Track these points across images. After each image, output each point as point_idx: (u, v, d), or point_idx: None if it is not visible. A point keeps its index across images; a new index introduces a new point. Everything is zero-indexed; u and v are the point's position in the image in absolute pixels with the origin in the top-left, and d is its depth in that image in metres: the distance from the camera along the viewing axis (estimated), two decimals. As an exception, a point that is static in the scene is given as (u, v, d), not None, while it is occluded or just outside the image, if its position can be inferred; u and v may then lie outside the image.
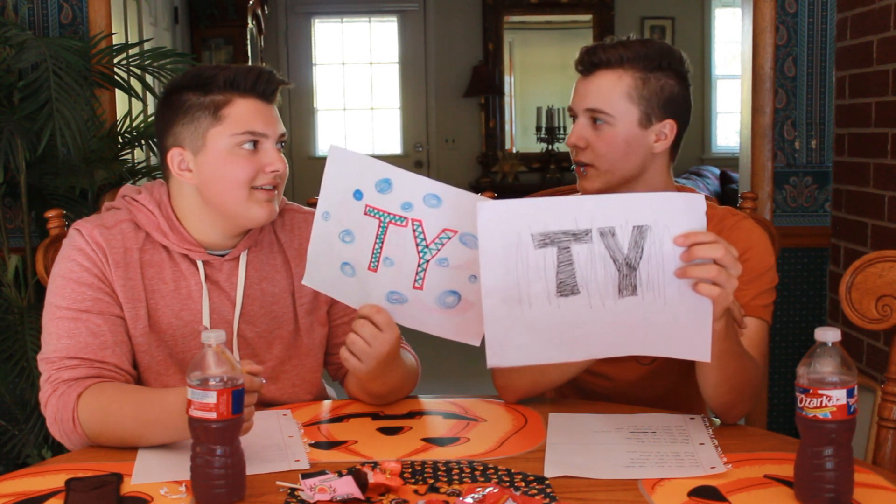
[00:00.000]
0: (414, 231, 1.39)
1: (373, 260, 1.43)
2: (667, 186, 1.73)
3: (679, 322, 1.32)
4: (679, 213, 1.28)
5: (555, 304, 1.32)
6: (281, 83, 1.63)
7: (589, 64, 1.69)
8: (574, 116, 1.71)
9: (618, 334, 1.36)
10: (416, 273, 1.42)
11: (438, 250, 1.40)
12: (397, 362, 1.58)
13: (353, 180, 1.43)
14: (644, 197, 1.34)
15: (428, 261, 1.40)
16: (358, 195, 1.42)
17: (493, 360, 1.39)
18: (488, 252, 1.30)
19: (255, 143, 1.58)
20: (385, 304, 1.48)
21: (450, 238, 1.39)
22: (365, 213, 1.42)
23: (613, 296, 1.30)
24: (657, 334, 1.35)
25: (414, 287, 1.43)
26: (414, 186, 1.39)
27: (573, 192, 1.88)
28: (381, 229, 1.41)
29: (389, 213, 1.40)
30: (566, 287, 1.31)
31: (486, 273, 1.31)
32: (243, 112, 1.58)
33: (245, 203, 1.59)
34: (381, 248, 1.42)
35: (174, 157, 1.61)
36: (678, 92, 1.69)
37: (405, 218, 1.39)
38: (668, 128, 1.69)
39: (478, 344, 1.44)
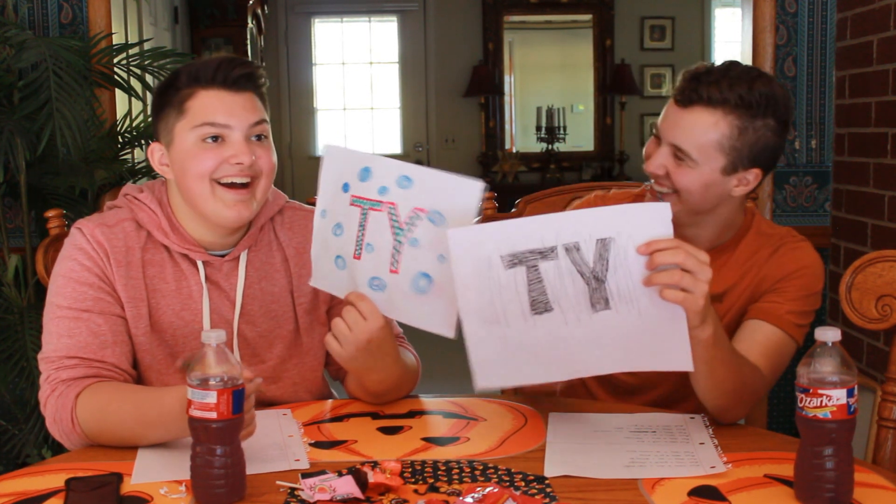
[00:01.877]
0: (389, 214, 1.41)
1: (356, 248, 1.45)
2: (735, 219, 1.71)
3: (656, 333, 1.33)
4: (643, 222, 1.29)
5: (531, 322, 1.33)
6: (248, 71, 1.59)
7: (690, 97, 1.58)
8: (659, 138, 1.64)
9: (599, 351, 1.36)
10: (392, 256, 1.43)
11: (411, 231, 1.41)
12: (385, 358, 1.55)
13: (342, 174, 1.46)
14: (607, 210, 1.33)
15: (402, 242, 1.41)
16: (346, 188, 1.45)
17: (481, 382, 1.39)
18: (462, 276, 1.32)
19: (218, 136, 1.56)
20: (368, 292, 1.48)
21: (420, 217, 1.40)
22: (350, 204, 1.44)
23: (587, 310, 1.31)
24: (637, 348, 1.35)
25: (391, 271, 1.44)
26: (389, 170, 1.41)
27: (573, 192, 1.88)
28: (362, 216, 1.43)
29: (369, 200, 1.42)
30: (539, 304, 1.32)
31: (462, 296, 1.33)
32: (205, 103, 1.57)
33: (210, 200, 1.57)
34: (363, 235, 1.44)
35: (154, 151, 1.62)
36: (773, 143, 1.62)
37: (381, 202, 1.41)
38: (752, 175, 1.63)
39: (451, 335, 1.43)
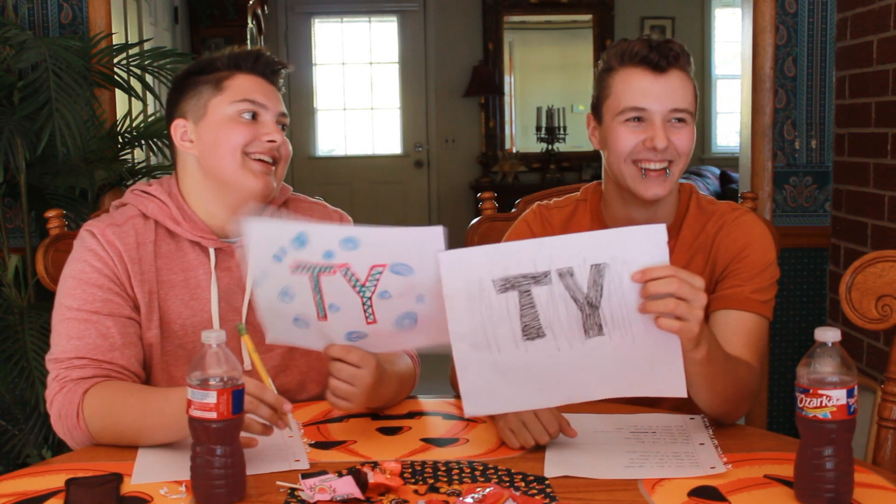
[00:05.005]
0: (345, 275, 1.38)
1: (319, 310, 1.42)
2: (677, 187, 1.75)
3: (650, 359, 1.31)
4: (638, 247, 1.26)
5: (522, 347, 1.31)
6: (281, 65, 1.70)
7: (669, 59, 1.63)
8: (639, 117, 1.64)
9: (592, 377, 1.35)
10: (364, 311, 1.41)
11: (375, 286, 1.38)
12: (387, 380, 1.57)
13: (270, 245, 1.40)
14: (602, 234, 1.31)
15: (370, 297, 1.39)
16: (278, 257, 1.40)
17: (470, 408, 1.37)
18: (452, 300, 1.30)
19: (255, 114, 1.63)
20: (348, 343, 1.47)
21: (382, 273, 1.37)
22: (292, 272, 1.40)
23: (580, 336, 1.30)
24: (630, 374, 1.34)
25: (368, 323, 1.43)
26: (328, 235, 1.38)
27: (573, 191, 1.88)
28: (314, 282, 1.39)
29: (315, 265, 1.38)
30: (531, 330, 1.30)
31: (452, 320, 1.31)
32: (244, 84, 1.65)
33: (239, 170, 1.61)
34: (321, 297, 1.40)
35: (177, 127, 1.66)
36: None
37: (331, 265, 1.38)
38: (694, 127, 1.72)
39: (449, 342, 1.42)
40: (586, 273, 1.26)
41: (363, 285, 1.39)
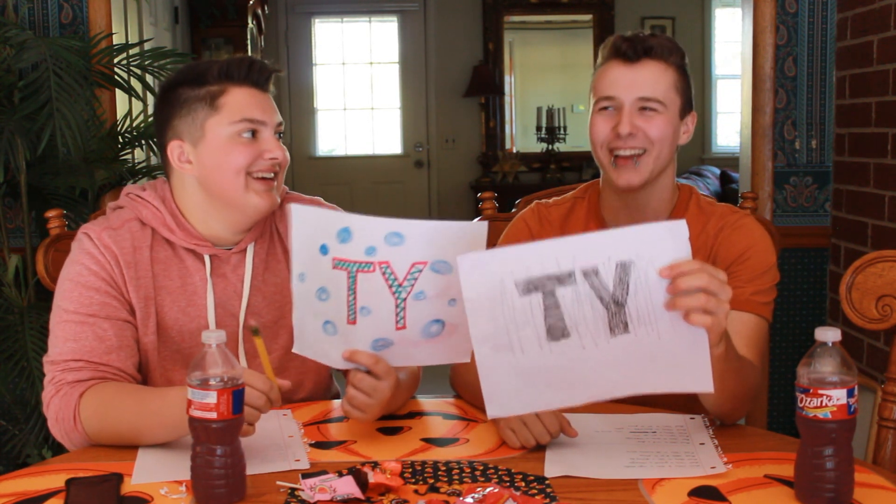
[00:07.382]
0: (384, 274, 1.36)
1: (350, 313, 1.40)
2: (672, 182, 1.75)
3: (677, 355, 1.30)
4: (661, 243, 1.25)
5: (547, 348, 1.29)
6: (273, 71, 1.66)
7: (638, 51, 1.67)
8: (610, 106, 1.68)
9: (616, 374, 1.33)
10: (397, 315, 1.39)
11: (413, 285, 1.36)
12: (400, 391, 1.56)
13: (317, 236, 1.39)
14: (624, 231, 1.29)
15: (405, 299, 1.37)
16: (324, 250, 1.38)
17: (493, 410, 1.35)
18: (473, 303, 1.27)
19: (254, 131, 1.60)
20: (372, 351, 1.46)
21: (421, 271, 1.36)
22: (333, 267, 1.38)
23: (605, 335, 1.28)
24: (656, 370, 1.33)
25: (397, 329, 1.41)
26: (373, 229, 1.35)
27: (572, 189, 1.88)
28: (350, 280, 1.37)
29: (355, 262, 1.36)
30: (556, 331, 1.28)
31: (473, 323, 1.28)
32: (240, 100, 1.60)
33: (244, 192, 1.60)
34: (354, 299, 1.38)
35: (174, 149, 1.63)
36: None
37: (371, 263, 1.36)
38: (690, 119, 1.73)
39: (468, 360, 1.41)
40: (612, 271, 1.25)
41: (400, 284, 1.37)
